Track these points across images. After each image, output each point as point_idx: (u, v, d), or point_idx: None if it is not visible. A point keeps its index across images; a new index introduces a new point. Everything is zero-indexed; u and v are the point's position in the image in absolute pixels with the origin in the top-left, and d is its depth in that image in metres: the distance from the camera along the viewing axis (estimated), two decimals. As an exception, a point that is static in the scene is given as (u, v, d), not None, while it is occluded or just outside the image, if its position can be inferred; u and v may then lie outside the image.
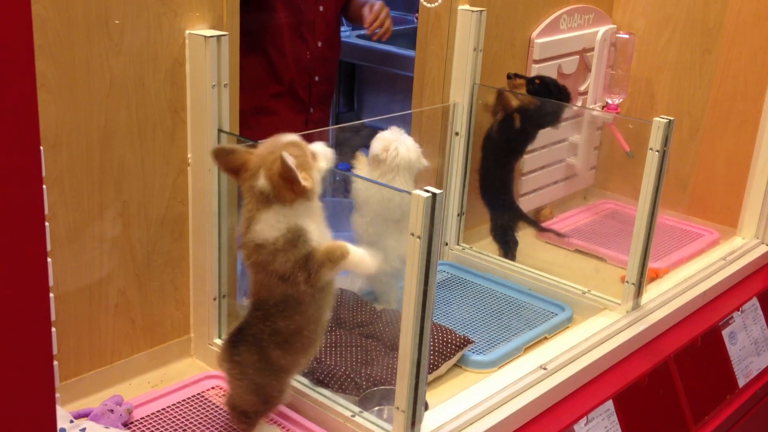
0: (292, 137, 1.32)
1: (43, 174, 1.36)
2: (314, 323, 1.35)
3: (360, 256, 1.31)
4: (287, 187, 1.26)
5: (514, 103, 2.11)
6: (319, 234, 1.30)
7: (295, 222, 1.28)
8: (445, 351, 1.69)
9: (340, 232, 1.55)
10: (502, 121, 2.13)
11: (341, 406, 1.48)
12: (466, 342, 1.74)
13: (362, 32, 3.13)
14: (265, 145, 1.31)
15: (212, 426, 1.47)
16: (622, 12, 2.57)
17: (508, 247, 2.19)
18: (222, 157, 1.32)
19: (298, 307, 1.32)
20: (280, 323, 1.33)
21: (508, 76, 2.13)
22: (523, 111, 2.12)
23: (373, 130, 1.90)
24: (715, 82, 2.44)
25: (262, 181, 1.27)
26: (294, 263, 1.28)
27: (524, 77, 2.14)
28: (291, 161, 1.23)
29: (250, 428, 1.42)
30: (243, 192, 1.31)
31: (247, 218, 1.30)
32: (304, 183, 1.26)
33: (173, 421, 1.48)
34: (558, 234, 2.31)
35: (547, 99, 2.14)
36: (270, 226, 1.28)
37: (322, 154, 1.33)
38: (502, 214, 2.21)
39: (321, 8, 2.19)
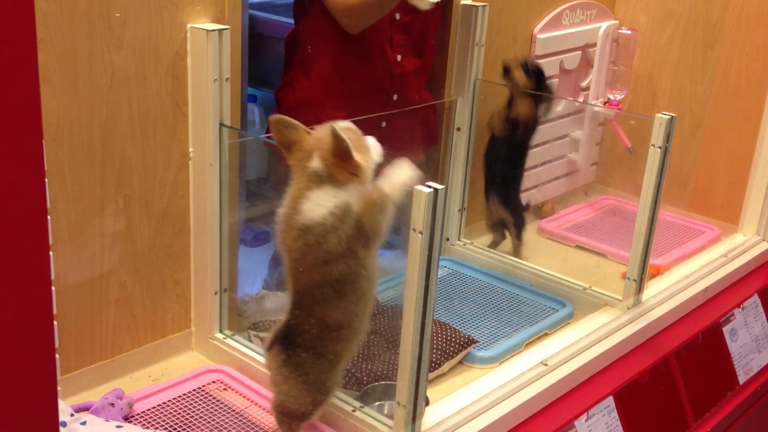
0: (348, 123, 1.30)
1: (45, 167, 1.36)
2: (366, 303, 1.32)
3: (397, 182, 1.27)
4: (340, 164, 1.24)
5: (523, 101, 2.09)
6: None
7: (345, 200, 1.25)
8: (449, 350, 1.69)
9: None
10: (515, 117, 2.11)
11: (342, 401, 1.48)
12: (469, 341, 1.73)
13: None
14: (324, 128, 1.28)
15: (213, 420, 1.47)
16: (625, 8, 2.56)
17: (501, 237, 2.19)
18: (280, 128, 1.29)
19: (351, 287, 1.28)
20: (333, 310, 1.29)
21: (505, 69, 2.07)
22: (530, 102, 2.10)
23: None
24: (717, 79, 2.44)
25: (315, 162, 1.25)
26: (348, 236, 1.24)
27: (518, 65, 2.08)
28: (344, 135, 1.21)
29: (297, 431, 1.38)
30: (292, 172, 1.29)
31: (294, 197, 1.27)
32: (357, 159, 1.24)
33: (174, 415, 1.48)
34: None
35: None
36: (318, 204, 1.25)
37: (374, 146, 1.31)
38: (508, 207, 2.19)
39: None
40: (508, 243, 2.22)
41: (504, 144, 2.13)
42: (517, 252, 2.18)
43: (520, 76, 2.06)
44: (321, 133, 1.28)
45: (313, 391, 1.34)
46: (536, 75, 2.07)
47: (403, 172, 1.28)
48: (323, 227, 1.25)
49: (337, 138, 1.22)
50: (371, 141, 1.32)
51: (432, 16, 1.94)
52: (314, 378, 1.33)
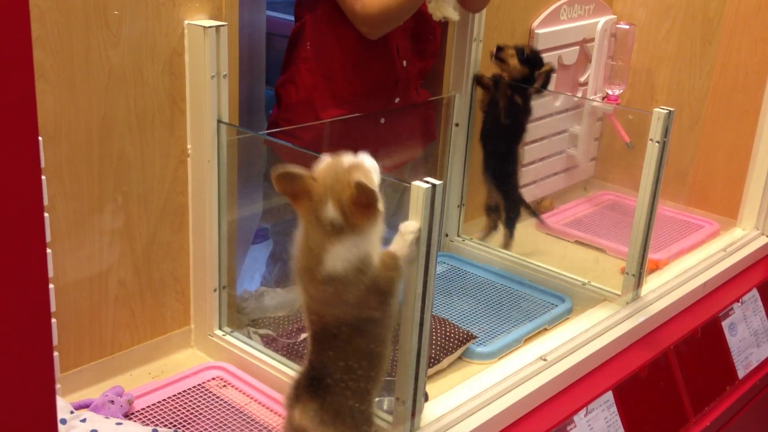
0: (352, 159, 1.22)
1: (43, 165, 1.36)
2: (388, 333, 1.27)
3: (407, 240, 1.23)
4: (362, 213, 1.18)
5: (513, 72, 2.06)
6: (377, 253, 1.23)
7: (366, 250, 1.20)
8: (448, 345, 1.69)
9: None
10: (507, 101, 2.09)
11: (341, 397, 1.48)
12: (468, 337, 1.74)
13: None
14: (328, 170, 1.21)
15: (213, 416, 1.48)
16: (623, 2, 2.56)
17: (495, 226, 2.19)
18: (284, 180, 1.21)
19: (374, 326, 1.24)
20: (358, 344, 1.24)
21: (498, 48, 2.04)
22: (524, 80, 2.07)
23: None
24: (716, 73, 2.44)
25: (332, 212, 1.18)
26: (366, 289, 1.20)
27: (513, 47, 2.05)
28: (371, 185, 1.16)
29: None
30: (303, 220, 1.22)
31: (312, 249, 1.21)
32: (380, 207, 1.18)
33: (174, 412, 1.48)
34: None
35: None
36: (342, 259, 1.19)
37: (372, 167, 1.23)
38: (505, 194, 2.18)
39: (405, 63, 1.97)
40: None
41: (495, 130, 2.11)
42: (506, 245, 2.17)
43: (513, 62, 2.05)
44: (329, 176, 1.20)
45: (360, 424, 1.27)
46: (530, 63, 2.05)
47: (411, 228, 1.24)
48: (346, 279, 1.20)
49: (364, 190, 1.15)
50: (368, 161, 1.24)
51: (438, 21, 1.94)
52: (355, 412, 1.26)
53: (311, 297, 1.24)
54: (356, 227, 1.18)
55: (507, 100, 2.07)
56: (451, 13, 1.76)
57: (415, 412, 1.37)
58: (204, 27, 1.49)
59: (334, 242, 1.18)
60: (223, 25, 1.51)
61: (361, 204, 1.17)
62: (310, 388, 1.25)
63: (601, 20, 2.44)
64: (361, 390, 1.26)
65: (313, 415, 1.24)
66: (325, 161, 1.23)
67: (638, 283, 1.86)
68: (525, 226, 2.29)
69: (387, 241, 2.25)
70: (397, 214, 2.10)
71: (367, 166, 1.21)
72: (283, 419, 1.33)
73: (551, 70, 2.09)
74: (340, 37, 1.80)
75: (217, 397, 1.53)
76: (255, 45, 2.21)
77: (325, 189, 1.19)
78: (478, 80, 2.07)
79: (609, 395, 1.65)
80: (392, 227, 2.21)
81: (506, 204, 2.17)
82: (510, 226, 2.18)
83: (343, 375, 1.24)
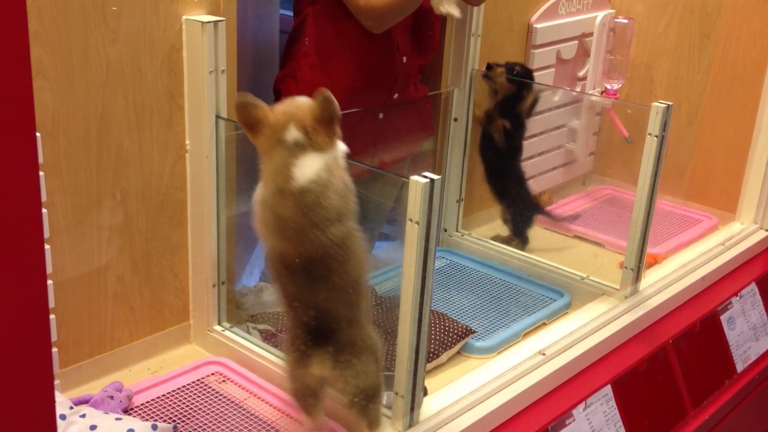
0: (307, 99, 1.31)
1: (41, 161, 1.36)
2: (366, 261, 1.32)
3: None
4: (323, 130, 1.26)
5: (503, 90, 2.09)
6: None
7: (330, 161, 1.27)
8: (446, 340, 1.70)
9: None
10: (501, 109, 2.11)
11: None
12: (467, 332, 1.74)
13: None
14: (287, 104, 1.30)
15: (212, 412, 1.48)
16: (621, -3, 2.56)
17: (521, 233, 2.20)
18: (246, 107, 1.28)
19: (352, 246, 1.28)
20: (340, 276, 1.27)
21: (488, 66, 2.08)
22: (513, 97, 2.10)
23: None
24: (714, 67, 2.44)
25: (294, 133, 1.26)
26: (333, 207, 1.26)
27: (503, 65, 2.10)
28: (335, 102, 1.25)
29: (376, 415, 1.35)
30: (261, 151, 1.30)
31: (277, 169, 1.26)
32: (338, 131, 1.28)
33: (173, 407, 1.48)
34: (556, 219, 2.31)
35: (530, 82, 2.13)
36: (309, 166, 1.25)
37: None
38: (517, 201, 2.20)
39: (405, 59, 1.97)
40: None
41: (490, 143, 2.14)
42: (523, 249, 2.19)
43: (501, 81, 2.08)
44: (287, 107, 1.29)
45: (373, 354, 1.32)
46: (518, 82, 2.08)
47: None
48: (320, 184, 1.25)
49: (329, 102, 1.25)
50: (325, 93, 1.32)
51: (437, 17, 1.94)
52: (361, 345, 1.30)
53: (285, 229, 1.26)
54: (318, 145, 1.26)
55: (499, 126, 2.09)
56: (453, 9, 1.76)
57: (414, 406, 1.37)
58: (202, 22, 1.48)
59: (299, 157, 1.25)
60: (221, 21, 1.51)
61: (324, 120, 1.26)
62: (315, 341, 1.28)
63: (600, 14, 2.44)
64: (356, 321, 1.30)
65: (333, 360, 1.29)
66: (283, 101, 1.32)
67: (637, 278, 1.86)
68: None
69: (383, 235, 2.25)
70: (396, 208, 2.11)
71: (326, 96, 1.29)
72: (290, 387, 1.36)
73: (536, 100, 2.13)
74: (341, 32, 1.80)
75: (217, 393, 1.53)
76: (268, 41, 2.22)
77: (286, 116, 1.27)
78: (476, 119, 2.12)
79: (608, 389, 1.65)
80: (391, 222, 2.22)
81: (515, 216, 2.19)
82: (521, 235, 2.20)
83: (339, 313, 1.28)
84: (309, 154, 1.26)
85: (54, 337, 1.45)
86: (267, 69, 2.21)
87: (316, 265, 1.26)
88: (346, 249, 1.27)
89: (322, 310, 1.28)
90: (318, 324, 1.29)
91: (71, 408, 1.36)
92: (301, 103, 1.30)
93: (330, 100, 1.26)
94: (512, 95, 2.08)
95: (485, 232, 2.23)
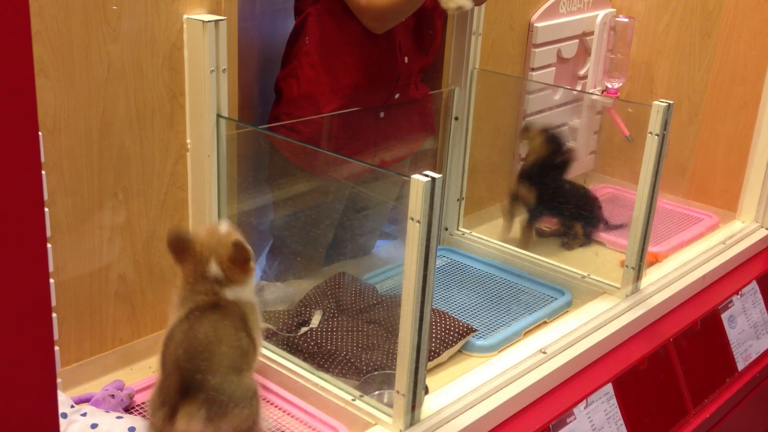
0: (226, 225, 1.37)
1: (42, 160, 1.36)
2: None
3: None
4: (240, 269, 1.32)
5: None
6: None
7: (247, 297, 1.35)
8: (447, 339, 1.70)
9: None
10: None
11: (342, 390, 1.48)
12: (468, 330, 1.74)
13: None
14: (206, 233, 1.35)
15: (213, 411, 1.48)
16: (622, -5, 2.56)
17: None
18: (176, 242, 1.33)
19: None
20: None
21: (525, 128, 2.22)
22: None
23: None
24: (715, 66, 2.44)
25: (214, 268, 1.31)
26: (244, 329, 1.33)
27: (540, 130, 2.20)
28: (247, 245, 1.31)
29: None
30: (186, 274, 1.33)
31: (207, 293, 1.32)
32: (253, 266, 1.34)
33: (174, 406, 1.48)
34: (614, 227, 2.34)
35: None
36: (239, 295, 1.33)
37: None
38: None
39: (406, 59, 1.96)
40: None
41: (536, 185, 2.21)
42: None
43: (538, 143, 2.17)
44: (209, 238, 1.33)
45: (248, 404, 1.30)
46: (553, 145, 2.17)
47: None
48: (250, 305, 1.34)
49: (240, 248, 1.30)
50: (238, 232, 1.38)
51: (439, 16, 1.94)
52: (237, 394, 1.28)
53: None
54: (236, 281, 1.32)
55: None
56: (464, 1, 1.75)
57: (415, 404, 1.38)
58: (203, 21, 1.49)
59: (224, 289, 1.32)
60: (222, 20, 1.51)
61: (236, 262, 1.31)
62: (182, 393, 1.25)
63: (601, 13, 2.44)
64: (238, 362, 1.31)
65: (199, 411, 1.25)
66: (205, 228, 1.39)
67: (638, 276, 1.86)
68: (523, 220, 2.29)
69: (385, 234, 2.25)
70: (396, 207, 2.11)
71: (237, 233, 1.36)
72: None
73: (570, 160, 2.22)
74: (343, 32, 1.80)
75: (218, 391, 1.53)
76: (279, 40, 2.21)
77: (206, 249, 1.32)
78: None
79: (609, 387, 1.65)
80: (392, 221, 2.22)
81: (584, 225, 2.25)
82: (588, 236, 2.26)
83: (211, 367, 1.28)
84: (230, 287, 1.32)
85: (56, 335, 1.46)
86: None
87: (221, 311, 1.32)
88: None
89: (204, 356, 1.28)
90: (192, 371, 1.27)
91: (72, 407, 1.36)
92: (217, 235, 1.34)
93: (241, 246, 1.30)
94: (546, 154, 2.18)
95: (486, 231, 2.23)
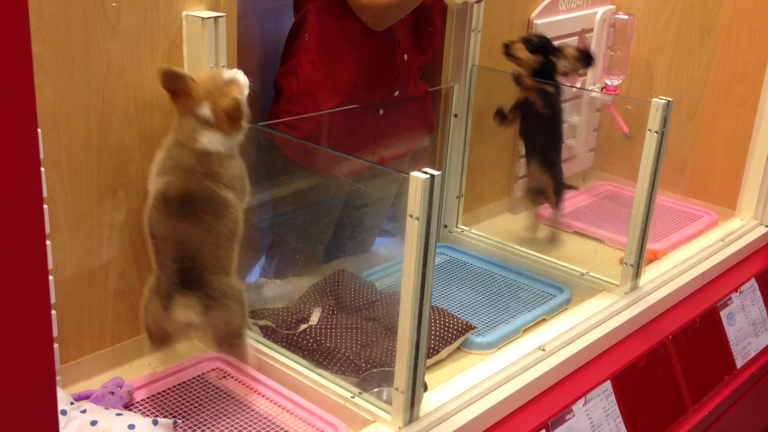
0: (231, 74, 1.42)
1: (41, 157, 1.36)
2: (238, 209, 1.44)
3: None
4: (230, 123, 1.38)
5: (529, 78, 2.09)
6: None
7: (232, 145, 1.42)
8: (446, 336, 1.70)
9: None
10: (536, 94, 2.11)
11: (341, 387, 1.48)
12: (467, 327, 1.74)
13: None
14: (207, 78, 1.41)
15: (212, 407, 1.48)
16: (622, -7, 2.56)
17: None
18: (168, 77, 1.39)
19: (227, 211, 1.40)
20: (213, 232, 1.38)
21: (505, 46, 2.07)
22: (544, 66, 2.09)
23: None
24: (714, 63, 2.44)
25: (206, 110, 1.38)
26: (231, 176, 1.41)
27: (518, 40, 2.08)
28: (244, 106, 1.38)
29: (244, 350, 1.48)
30: (179, 110, 1.40)
31: (187, 128, 1.38)
32: (245, 125, 1.41)
33: (174, 403, 1.49)
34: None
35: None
36: (213, 140, 1.39)
37: (243, 83, 1.42)
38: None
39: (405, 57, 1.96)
40: (508, 232, 2.22)
41: (532, 117, 2.13)
42: (554, 221, 2.21)
43: (523, 55, 2.06)
44: (208, 83, 1.39)
45: (237, 302, 1.41)
46: (540, 49, 2.07)
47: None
48: (220, 156, 1.39)
49: (237, 105, 1.37)
50: (243, 80, 1.42)
51: (438, 14, 1.94)
52: (229, 292, 1.39)
53: (172, 172, 1.38)
54: (222, 130, 1.39)
55: (540, 92, 2.09)
56: None
57: (414, 402, 1.38)
58: (202, 18, 1.48)
59: (208, 130, 1.38)
60: (221, 16, 1.51)
61: (231, 116, 1.38)
62: (184, 287, 1.36)
63: (600, 10, 2.44)
64: (222, 270, 1.39)
65: (201, 306, 1.37)
66: (205, 70, 1.46)
67: (637, 273, 1.86)
68: (523, 218, 2.29)
69: (384, 231, 2.25)
70: (395, 205, 2.11)
71: (242, 83, 1.42)
72: (151, 327, 1.44)
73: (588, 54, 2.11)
74: (343, 29, 1.80)
75: (217, 388, 1.54)
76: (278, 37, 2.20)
77: (204, 92, 1.39)
78: (516, 80, 2.10)
79: (607, 385, 1.66)
80: (391, 218, 2.22)
81: (554, 186, 2.19)
82: (557, 199, 2.21)
83: (206, 264, 1.37)
84: (215, 132, 1.39)
85: (55, 332, 1.46)
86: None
87: (197, 201, 1.37)
88: (227, 204, 1.39)
89: (193, 254, 1.36)
90: (186, 268, 1.36)
91: (72, 404, 1.36)
92: (221, 83, 1.39)
93: (239, 107, 1.37)
94: (539, 65, 2.07)
95: (485, 228, 2.23)
